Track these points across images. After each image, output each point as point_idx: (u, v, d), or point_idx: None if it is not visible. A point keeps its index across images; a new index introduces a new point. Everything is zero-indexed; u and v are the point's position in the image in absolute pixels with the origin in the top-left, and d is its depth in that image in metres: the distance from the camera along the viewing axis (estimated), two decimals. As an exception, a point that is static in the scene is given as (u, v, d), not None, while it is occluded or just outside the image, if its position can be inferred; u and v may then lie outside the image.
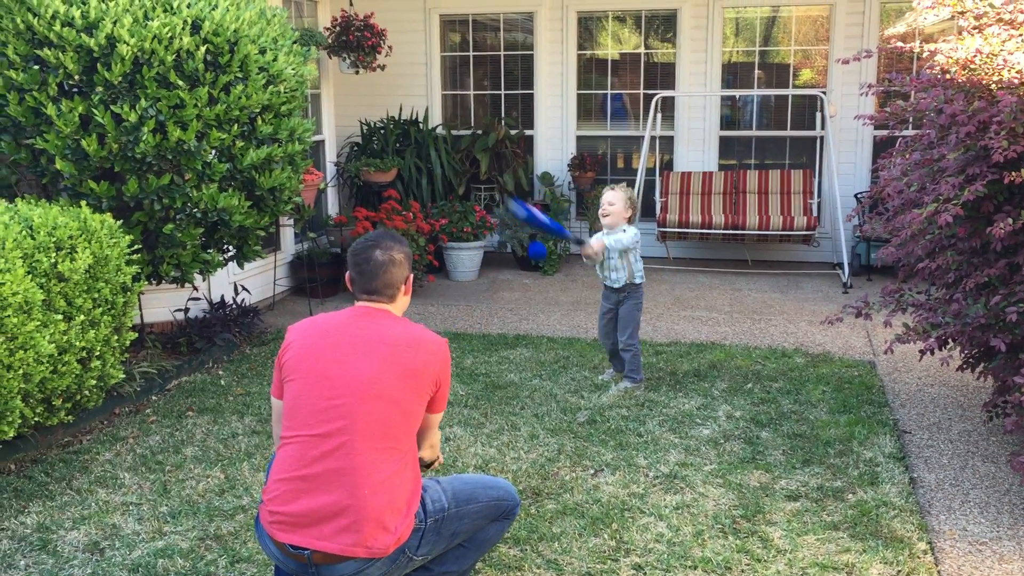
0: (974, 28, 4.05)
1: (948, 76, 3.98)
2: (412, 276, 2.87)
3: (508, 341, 6.16)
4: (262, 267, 7.09)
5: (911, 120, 4.24)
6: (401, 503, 2.58)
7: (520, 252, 8.55)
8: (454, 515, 2.74)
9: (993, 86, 3.75)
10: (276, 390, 2.80)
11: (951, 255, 3.98)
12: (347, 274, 2.82)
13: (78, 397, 4.31)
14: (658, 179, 8.85)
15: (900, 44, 4.32)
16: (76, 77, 4.63)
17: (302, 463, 2.56)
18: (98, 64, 4.58)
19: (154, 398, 5.08)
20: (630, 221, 5.03)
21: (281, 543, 2.55)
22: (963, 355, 4.32)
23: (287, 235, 7.60)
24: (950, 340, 3.98)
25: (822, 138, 8.50)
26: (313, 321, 2.79)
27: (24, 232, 3.96)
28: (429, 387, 2.71)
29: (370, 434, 2.55)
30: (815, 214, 8.25)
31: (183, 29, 4.73)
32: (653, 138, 8.83)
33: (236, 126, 4.96)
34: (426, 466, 2.97)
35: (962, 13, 4.15)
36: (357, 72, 8.26)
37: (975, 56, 3.85)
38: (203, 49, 4.74)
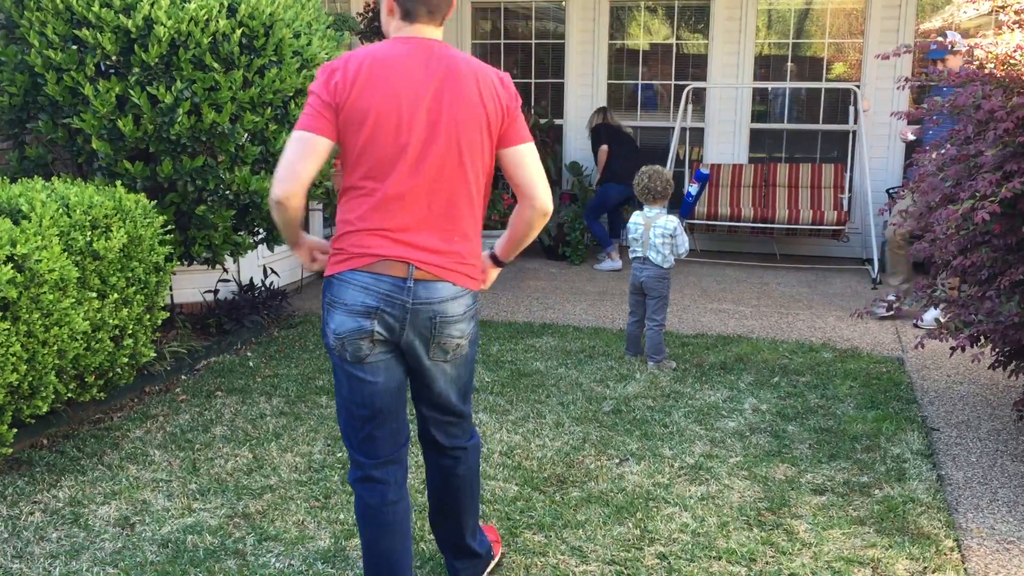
0: (1015, 23, 4.01)
1: (986, 71, 3.94)
2: None
3: (534, 329, 6.17)
4: (291, 250, 7.13)
5: (948, 116, 4.20)
6: (475, 257, 2.68)
7: (547, 241, 8.55)
8: (472, 351, 2.78)
9: (1033, 82, 3.72)
10: (325, 128, 2.49)
11: (985, 252, 3.94)
12: (388, 3, 2.58)
13: (110, 374, 4.36)
14: (687, 171, 8.81)
15: (940, 40, 4.28)
16: (113, 58, 4.67)
17: (388, 217, 2.54)
18: (135, 45, 4.62)
19: (183, 377, 5.14)
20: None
21: (383, 257, 2.53)
22: (994, 353, 4.28)
23: (316, 219, 7.64)
24: (982, 338, 3.95)
25: (854, 132, 8.43)
26: (375, 60, 2.52)
27: (61, 210, 4.02)
28: (496, 119, 2.58)
29: (450, 187, 2.57)
30: (845, 209, 8.18)
31: (219, 12, 4.76)
32: (683, 129, 8.79)
33: (269, 109, 4.99)
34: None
35: (1002, 8, 4.11)
36: (388, 58, 8.28)
37: (1015, 51, 3.81)
38: (239, 32, 4.77)
